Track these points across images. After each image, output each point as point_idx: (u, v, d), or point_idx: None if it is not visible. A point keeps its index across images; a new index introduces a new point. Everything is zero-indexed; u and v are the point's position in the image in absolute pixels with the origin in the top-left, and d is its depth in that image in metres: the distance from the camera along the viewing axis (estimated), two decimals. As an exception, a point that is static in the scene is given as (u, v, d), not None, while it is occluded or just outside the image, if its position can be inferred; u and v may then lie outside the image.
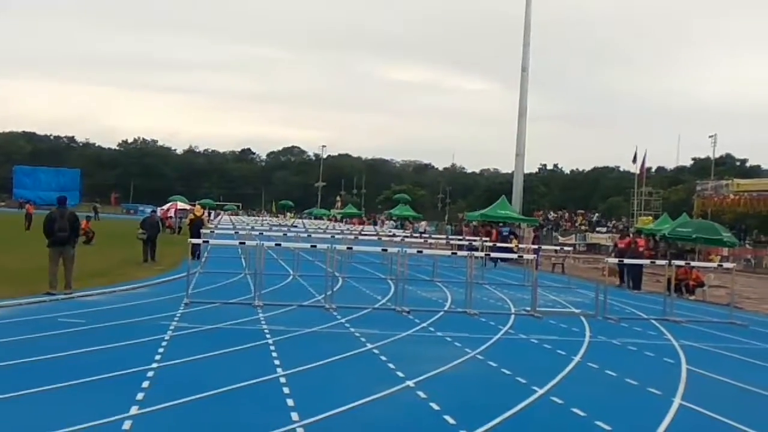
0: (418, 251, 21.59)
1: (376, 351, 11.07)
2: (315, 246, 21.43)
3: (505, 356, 11.20)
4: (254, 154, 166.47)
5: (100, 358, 9.53)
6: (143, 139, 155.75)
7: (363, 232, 42.99)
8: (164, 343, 10.68)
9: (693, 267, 22.90)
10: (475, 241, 33.14)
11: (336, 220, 78.92)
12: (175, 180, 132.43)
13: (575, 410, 8.07)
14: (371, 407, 7.86)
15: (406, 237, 34.84)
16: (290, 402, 7.75)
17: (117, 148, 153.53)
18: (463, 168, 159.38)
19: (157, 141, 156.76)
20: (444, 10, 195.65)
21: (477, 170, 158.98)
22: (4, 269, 18.60)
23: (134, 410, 7.15)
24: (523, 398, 8.47)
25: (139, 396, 7.66)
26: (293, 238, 31.42)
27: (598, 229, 60.01)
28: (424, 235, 43.68)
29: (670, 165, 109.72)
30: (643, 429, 7.59)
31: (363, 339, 11.98)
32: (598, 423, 7.60)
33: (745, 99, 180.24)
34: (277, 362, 9.76)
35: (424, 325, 14.03)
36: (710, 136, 71.33)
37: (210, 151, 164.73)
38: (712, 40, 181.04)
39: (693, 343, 13.58)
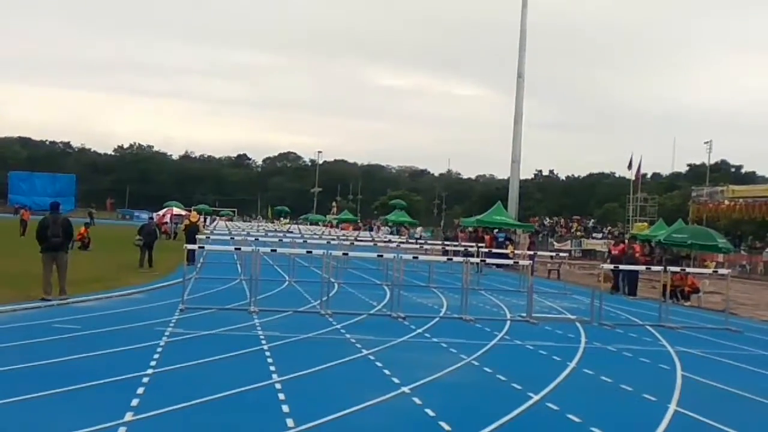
0: (413, 257, 21.59)
1: (371, 357, 11.07)
2: (311, 252, 21.43)
3: (500, 362, 11.21)
4: (250, 159, 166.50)
5: (95, 364, 9.51)
6: (139, 144, 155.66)
7: (359, 238, 42.98)
8: (159, 349, 10.66)
9: (688, 273, 22.93)
10: (471, 246, 33.19)
11: (332, 226, 78.89)
12: (170, 185, 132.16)
13: (571, 416, 8.07)
14: (366, 413, 7.85)
15: (402, 243, 34.86)
16: (285, 408, 7.75)
17: (113, 153, 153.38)
18: (459, 174, 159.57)
19: (152, 146, 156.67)
20: (439, 16, 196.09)
21: (473, 176, 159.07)
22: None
23: (129, 416, 7.14)
24: (519, 404, 8.48)
25: (134, 402, 7.64)
26: (289, 244, 31.40)
27: (593, 235, 60.08)
28: (419, 241, 43.70)
29: (665, 171, 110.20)
30: (639, 435, 7.61)
31: (358, 345, 11.97)
32: (594, 429, 7.61)
33: (741, 105, 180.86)
34: (272, 368, 9.75)
35: (420, 331, 14.03)
36: (705, 143, 71.32)
37: (206, 156, 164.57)
38: (707, 47, 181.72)
39: (688, 349, 13.60)
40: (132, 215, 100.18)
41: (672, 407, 8.80)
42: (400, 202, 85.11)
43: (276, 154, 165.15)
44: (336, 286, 20.44)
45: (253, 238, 31.52)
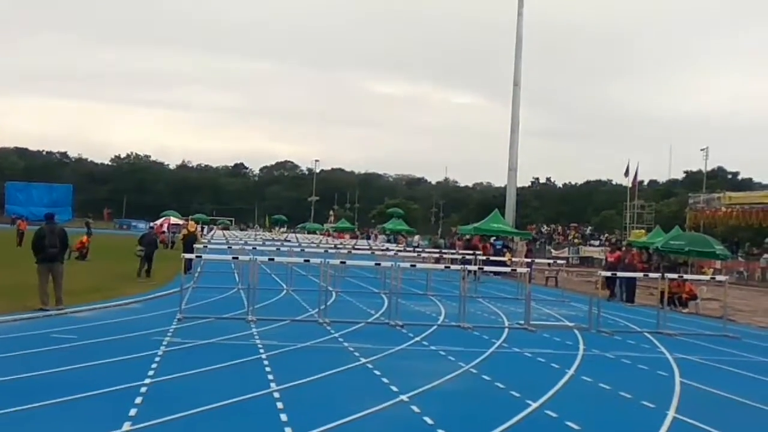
0: (411, 265, 21.59)
1: (369, 365, 11.06)
2: (308, 260, 21.40)
3: (498, 370, 11.20)
4: (247, 168, 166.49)
5: (92, 374, 9.49)
6: (136, 154, 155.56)
7: (356, 247, 42.95)
8: (157, 359, 10.65)
9: (686, 280, 22.95)
10: (468, 255, 33.16)
11: (328, 234, 78.86)
12: (167, 195, 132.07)
13: (569, 424, 8.07)
14: (365, 422, 7.84)
15: (399, 251, 34.86)
16: (284, 417, 7.74)
17: (109, 163, 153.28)
18: (456, 182, 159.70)
19: (149, 156, 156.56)
20: (435, 24, 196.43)
21: (470, 184, 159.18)
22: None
23: (127, 426, 7.13)
24: (517, 412, 8.47)
25: (132, 412, 7.63)
26: (286, 253, 31.37)
27: (591, 242, 60.13)
28: (417, 249, 43.69)
29: (662, 178, 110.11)
30: (637, 442, 7.61)
31: (357, 353, 11.96)
32: (593, 436, 7.60)
33: (737, 112, 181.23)
34: (270, 377, 9.74)
35: (418, 339, 14.02)
36: (702, 150, 71.59)
37: (203, 166, 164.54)
38: (704, 54, 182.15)
39: (686, 355, 13.60)
40: (129, 225, 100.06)
41: (671, 414, 8.80)
42: (398, 211, 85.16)
43: (273, 163, 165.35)
44: (334, 294, 20.42)
45: (250, 248, 31.50)
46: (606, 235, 65.10)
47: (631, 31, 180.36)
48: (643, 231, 54.25)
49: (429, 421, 7.89)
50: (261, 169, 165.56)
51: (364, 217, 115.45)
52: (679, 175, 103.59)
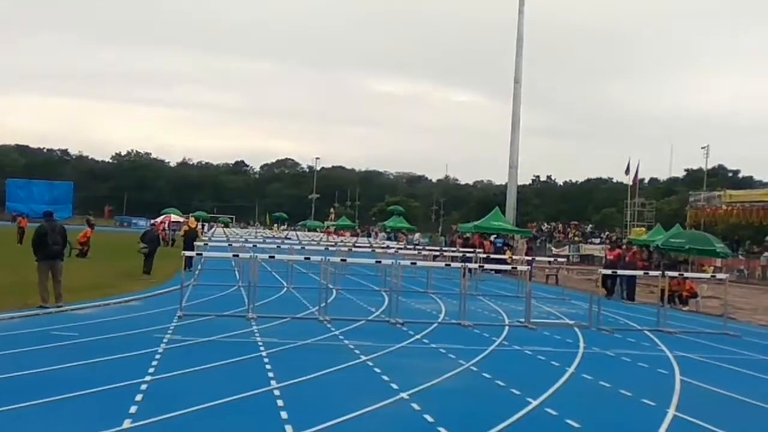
0: (411, 263, 21.59)
1: (370, 363, 11.06)
2: (309, 258, 21.41)
3: (499, 368, 11.20)
4: (248, 166, 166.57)
5: (93, 372, 9.50)
6: (137, 151, 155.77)
7: (357, 244, 42.93)
8: (158, 356, 10.65)
9: (686, 278, 22.94)
10: (470, 252, 33.16)
11: (329, 232, 78.80)
12: (168, 192, 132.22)
13: (569, 421, 8.07)
14: (365, 419, 7.85)
15: (400, 249, 34.84)
16: (284, 414, 7.74)
17: (110, 160, 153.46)
18: (457, 179, 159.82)
19: (150, 153, 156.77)
20: (436, 23, 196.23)
21: (470, 182, 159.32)
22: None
23: (128, 423, 7.13)
24: (518, 410, 8.47)
25: (133, 409, 7.63)
26: (287, 251, 31.38)
27: (591, 240, 60.10)
28: (417, 247, 43.66)
29: (663, 176, 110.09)
30: (638, 440, 7.61)
31: (357, 351, 11.96)
32: (593, 434, 7.61)
33: (738, 110, 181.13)
34: (271, 375, 9.74)
35: (418, 336, 14.02)
36: (703, 148, 71.41)
37: (203, 163, 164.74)
38: (704, 53, 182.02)
39: (687, 353, 13.60)
40: (130, 222, 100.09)
41: (671, 412, 8.80)
42: (398, 208, 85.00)
43: (274, 161, 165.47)
44: (334, 292, 20.42)
45: (251, 245, 31.52)
46: (606, 233, 65.03)
47: (632, 29, 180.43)
48: (643, 229, 54.26)
49: (429, 419, 7.90)
50: (262, 167, 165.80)
51: (364, 215, 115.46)
52: (680, 173, 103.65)
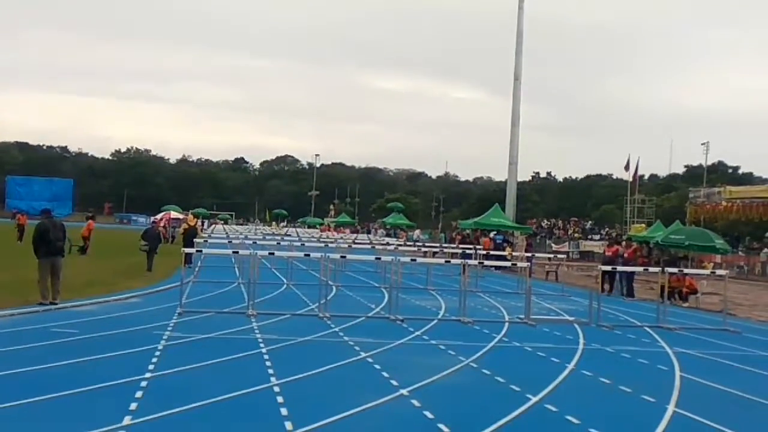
0: (411, 260, 21.58)
1: (370, 360, 11.06)
2: (308, 255, 21.43)
3: (499, 364, 11.20)
4: (247, 163, 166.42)
5: (93, 368, 9.50)
6: (136, 148, 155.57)
7: (357, 241, 42.95)
8: (158, 353, 10.65)
9: (686, 274, 22.94)
10: (469, 249, 33.16)
11: (328, 229, 78.80)
12: (168, 189, 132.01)
13: (569, 418, 8.07)
14: (365, 416, 7.85)
15: (399, 246, 34.84)
16: (284, 411, 7.74)
17: (110, 158, 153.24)
18: (457, 176, 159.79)
19: (150, 150, 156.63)
20: (436, 19, 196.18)
21: (470, 178, 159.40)
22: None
23: (128, 420, 7.13)
24: (517, 406, 8.47)
25: (133, 406, 7.63)
26: (287, 247, 31.40)
27: (591, 236, 60.11)
28: (417, 244, 43.67)
29: (662, 172, 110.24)
30: (637, 436, 7.61)
31: (357, 348, 11.96)
32: (593, 430, 7.61)
33: (738, 107, 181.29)
34: (270, 371, 9.74)
35: (418, 333, 14.02)
36: (703, 144, 71.64)
37: (203, 160, 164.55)
38: (704, 49, 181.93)
39: (686, 350, 13.61)
40: (130, 219, 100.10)
41: (671, 408, 8.80)
42: (398, 205, 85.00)
43: (273, 158, 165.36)
44: (334, 289, 20.43)
45: (250, 242, 31.50)
46: (606, 229, 65.10)
47: (632, 25, 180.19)
48: (643, 225, 54.31)
49: (429, 415, 7.90)
50: (261, 164, 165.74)
51: (364, 212, 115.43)
52: (680, 170, 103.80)
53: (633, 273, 24.12)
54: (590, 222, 75.40)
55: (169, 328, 13.00)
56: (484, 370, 10.70)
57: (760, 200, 46.96)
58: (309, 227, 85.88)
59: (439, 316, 16.87)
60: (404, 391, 8.91)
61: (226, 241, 34.15)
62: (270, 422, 7.34)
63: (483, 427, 7.48)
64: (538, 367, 11.41)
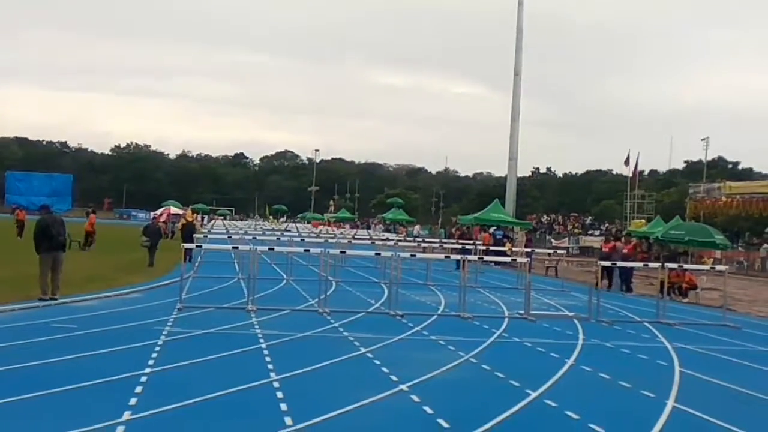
0: (411, 255, 21.59)
1: (369, 355, 11.07)
2: (308, 250, 21.41)
3: (498, 359, 11.21)
4: (247, 158, 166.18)
5: (92, 364, 9.50)
6: (136, 143, 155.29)
7: (356, 236, 42.95)
8: (157, 348, 10.65)
9: (686, 270, 22.94)
10: (469, 244, 33.17)
11: (328, 224, 78.81)
12: (168, 185, 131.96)
13: (569, 413, 8.08)
14: (365, 411, 7.85)
15: (399, 241, 34.83)
16: (284, 406, 7.74)
17: (110, 153, 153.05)
18: (457, 172, 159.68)
19: (149, 146, 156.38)
20: (436, 14, 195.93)
21: (470, 174, 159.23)
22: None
23: (127, 415, 7.13)
24: (517, 401, 8.48)
25: (132, 401, 7.64)
26: (286, 243, 31.40)
27: (591, 232, 60.11)
28: (417, 239, 43.66)
29: (662, 168, 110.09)
30: (637, 431, 7.61)
31: (357, 343, 11.97)
32: (592, 426, 7.61)
33: (738, 102, 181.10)
34: (270, 367, 9.74)
35: (418, 328, 14.03)
36: (702, 139, 71.59)
37: (203, 155, 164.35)
38: (704, 45, 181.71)
39: (686, 345, 13.61)
40: (129, 215, 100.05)
41: (670, 403, 8.81)
42: (398, 201, 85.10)
43: (273, 153, 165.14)
44: (334, 284, 20.43)
45: (250, 237, 31.52)
46: (606, 225, 65.08)
47: (633, 21, 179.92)
48: (643, 221, 54.26)
49: (429, 410, 7.90)
50: (261, 159, 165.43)
51: (364, 207, 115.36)
52: (680, 165, 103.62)
53: (632, 268, 24.10)
54: (590, 217, 75.44)
55: (169, 324, 13.01)
56: (483, 366, 10.71)
57: (760, 196, 46.93)
58: (309, 222, 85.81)
59: (439, 312, 16.87)
60: (404, 387, 8.92)
61: (225, 236, 34.14)
62: (270, 417, 7.34)
63: (483, 422, 7.48)
64: (538, 362, 11.42)
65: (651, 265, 22.25)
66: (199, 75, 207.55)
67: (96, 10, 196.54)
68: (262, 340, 11.80)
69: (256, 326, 13.25)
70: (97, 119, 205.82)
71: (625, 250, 25.97)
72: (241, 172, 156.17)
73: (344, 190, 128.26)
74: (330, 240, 32.38)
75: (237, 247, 21.65)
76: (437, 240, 43.71)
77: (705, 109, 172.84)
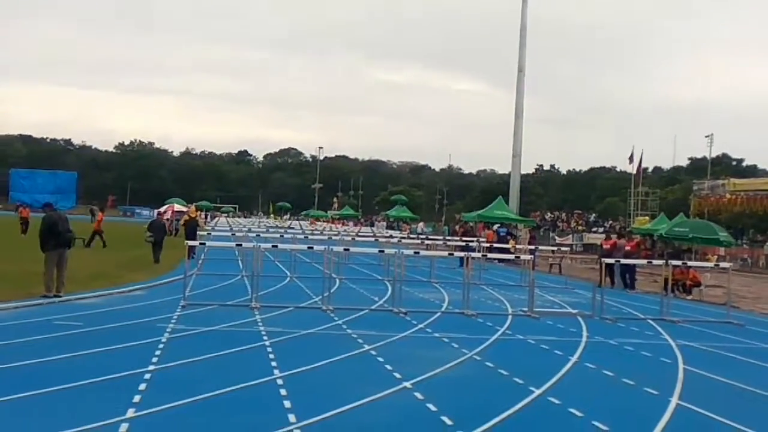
0: (415, 252, 21.58)
1: (373, 352, 11.07)
2: (312, 248, 21.42)
3: (502, 357, 11.21)
4: (251, 156, 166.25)
5: (96, 361, 9.52)
6: (140, 141, 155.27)
7: (360, 234, 42.95)
8: (161, 346, 10.67)
9: (690, 267, 22.91)
10: (472, 241, 33.16)
11: (333, 221, 78.84)
12: (171, 182, 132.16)
13: (572, 410, 8.07)
14: (368, 409, 7.85)
15: (403, 239, 34.82)
16: (287, 404, 7.75)
17: (113, 150, 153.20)
18: (460, 169, 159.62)
19: (153, 143, 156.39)
20: (440, 11, 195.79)
21: (474, 171, 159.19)
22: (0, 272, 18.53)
23: (131, 413, 7.14)
24: (521, 399, 8.48)
25: (136, 398, 7.65)
26: (290, 240, 31.43)
27: (594, 229, 60.04)
28: (421, 236, 43.64)
29: (666, 165, 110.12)
30: (641, 429, 7.61)
31: (360, 340, 11.97)
32: (596, 423, 7.61)
33: (742, 99, 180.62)
34: (274, 364, 9.75)
35: (422, 326, 14.03)
36: (707, 136, 71.52)
37: (207, 153, 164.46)
38: (708, 41, 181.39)
39: (690, 342, 13.59)
40: (134, 212, 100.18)
41: (674, 401, 8.80)
42: (401, 198, 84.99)
43: (277, 150, 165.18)
44: (337, 281, 20.44)
45: (254, 234, 31.53)
46: (610, 222, 64.99)
47: (636, 18, 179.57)
48: (647, 218, 54.22)
49: (432, 407, 7.90)
50: (265, 156, 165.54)
51: (368, 204, 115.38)
52: (684, 162, 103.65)
53: (635, 266, 24.06)
54: (594, 215, 75.32)
55: (173, 321, 13.02)
56: (487, 363, 10.70)
57: (764, 193, 46.90)
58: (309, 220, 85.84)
59: (443, 309, 16.86)
60: (407, 384, 8.92)
61: (229, 233, 34.18)
62: (273, 415, 7.34)
63: (486, 419, 7.48)
64: (542, 359, 11.41)
65: (655, 262, 22.18)
66: (203, 72, 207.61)
67: (100, 7, 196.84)
68: (265, 338, 11.81)
69: (260, 323, 13.26)
70: (101, 117, 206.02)
71: (627, 248, 25.95)
72: (244, 169, 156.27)
73: (348, 187, 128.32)
74: (333, 237, 32.39)
75: (240, 245, 21.67)
76: (441, 237, 43.73)
77: (709, 106, 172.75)
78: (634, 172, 63.39)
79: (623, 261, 22.65)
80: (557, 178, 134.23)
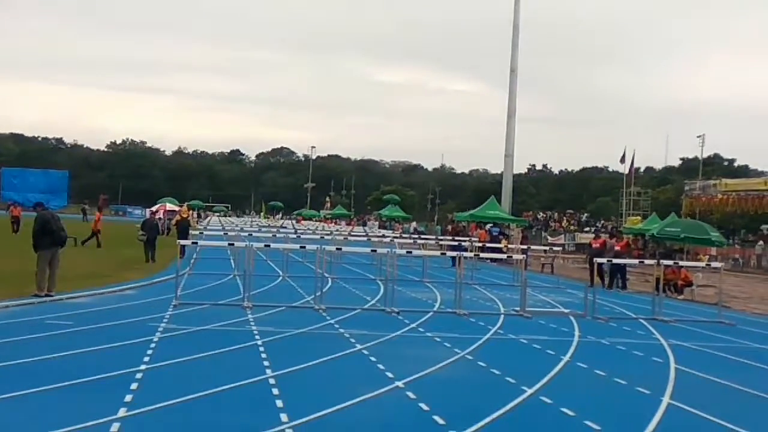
0: (407, 252, 21.58)
1: (365, 352, 11.07)
2: (304, 247, 21.40)
3: (494, 356, 11.21)
4: (243, 155, 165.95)
5: (88, 360, 9.49)
6: (132, 140, 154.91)
7: (353, 233, 42.92)
8: (153, 345, 10.64)
9: (681, 266, 22.97)
10: (464, 241, 33.17)
11: (326, 221, 78.73)
12: (163, 181, 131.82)
13: (564, 410, 8.08)
14: (361, 408, 7.85)
15: (395, 238, 34.83)
16: (279, 403, 7.74)
17: (105, 149, 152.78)
18: (453, 168, 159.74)
19: (145, 142, 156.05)
20: (432, 11, 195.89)
21: (466, 171, 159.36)
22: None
23: (122, 412, 7.12)
24: (513, 398, 8.48)
25: (128, 398, 7.63)
26: (282, 239, 31.39)
27: (587, 229, 60.12)
28: (413, 236, 43.65)
29: (658, 165, 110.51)
30: (632, 428, 7.62)
31: (352, 340, 11.97)
32: (587, 423, 7.62)
33: (733, 99, 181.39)
34: (266, 363, 9.73)
35: (414, 325, 14.03)
36: (698, 137, 71.81)
37: (199, 152, 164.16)
38: (700, 41, 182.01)
39: (681, 342, 13.63)
40: (125, 211, 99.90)
41: (665, 400, 8.82)
42: (394, 197, 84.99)
43: (269, 150, 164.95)
44: (330, 281, 20.42)
45: (246, 233, 31.48)
46: (602, 221, 65.11)
47: (629, 17, 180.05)
48: (639, 218, 54.33)
49: (424, 407, 7.90)
50: (257, 156, 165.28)
51: (360, 204, 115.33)
52: (676, 162, 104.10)
53: (625, 265, 24.11)
54: (586, 214, 75.46)
55: (165, 320, 12.99)
56: (479, 363, 10.71)
57: (756, 193, 46.98)
58: (305, 219, 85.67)
59: (435, 309, 16.87)
60: (399, 383, 8.92)
61: (221, 233, 34.11)
62: (265, 414, 7.33)
63: (478, 419, 7.48)
64: (534, 359, 11.42)
65: (647, 262, 22.23)
66: (196, 71, 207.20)
67: (93, 6, 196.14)
68: (257, 337, 11.79)
69: (252, 323, 13.24)
70: (93, 116, 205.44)
71: (617, 247, 26.00)
72: (237, 168, 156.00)
73: (340, 186, 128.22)
74: (326, 237, 32.37)
75: (233, 244, 21.63)
76: (433, 236, 43.73)
77: (701, 107, 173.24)
78: (626, 172, 63.56)
79: (617, 261, 22.74)
80: (550, 178, 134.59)
